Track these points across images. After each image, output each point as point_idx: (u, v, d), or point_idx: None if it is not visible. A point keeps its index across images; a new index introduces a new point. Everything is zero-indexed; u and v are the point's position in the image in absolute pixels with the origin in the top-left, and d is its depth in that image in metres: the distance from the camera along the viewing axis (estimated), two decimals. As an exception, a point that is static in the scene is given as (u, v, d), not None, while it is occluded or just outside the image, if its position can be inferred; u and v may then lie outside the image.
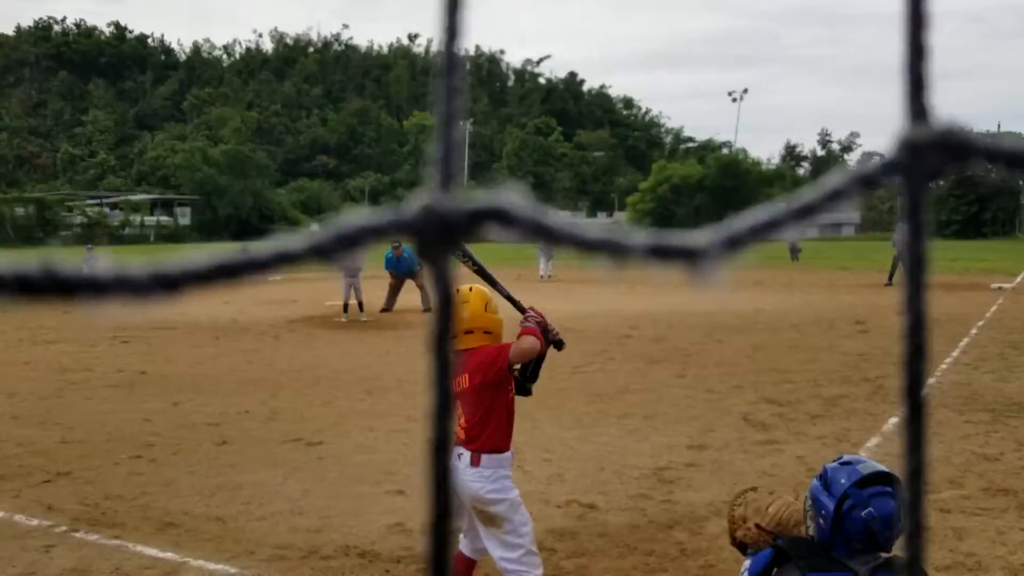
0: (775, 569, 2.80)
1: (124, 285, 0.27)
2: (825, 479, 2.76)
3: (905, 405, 0.33)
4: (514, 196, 0.32)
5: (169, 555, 5.16)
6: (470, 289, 4.09)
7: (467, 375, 3.97)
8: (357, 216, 0.32)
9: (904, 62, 0.30)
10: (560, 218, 0.31)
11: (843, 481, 2.71)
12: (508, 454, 4.10)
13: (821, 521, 2.72)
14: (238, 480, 6.61)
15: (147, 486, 6.49)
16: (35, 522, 5.70)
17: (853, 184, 0.31)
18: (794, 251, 35.08)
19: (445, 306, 0.33)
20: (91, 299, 0.27)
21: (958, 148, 0.30)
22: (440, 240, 0.31)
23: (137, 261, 0.29)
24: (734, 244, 0.32)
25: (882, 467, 2.79)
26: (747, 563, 3.03)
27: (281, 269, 0.31)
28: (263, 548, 5.25)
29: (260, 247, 0.31)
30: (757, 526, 3.06)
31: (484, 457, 3.97)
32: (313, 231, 0.31)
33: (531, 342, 3.95)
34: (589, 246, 0.31)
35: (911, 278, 0.33)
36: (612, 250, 0.31)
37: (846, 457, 2.85)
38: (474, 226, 0.31)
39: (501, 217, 0.31)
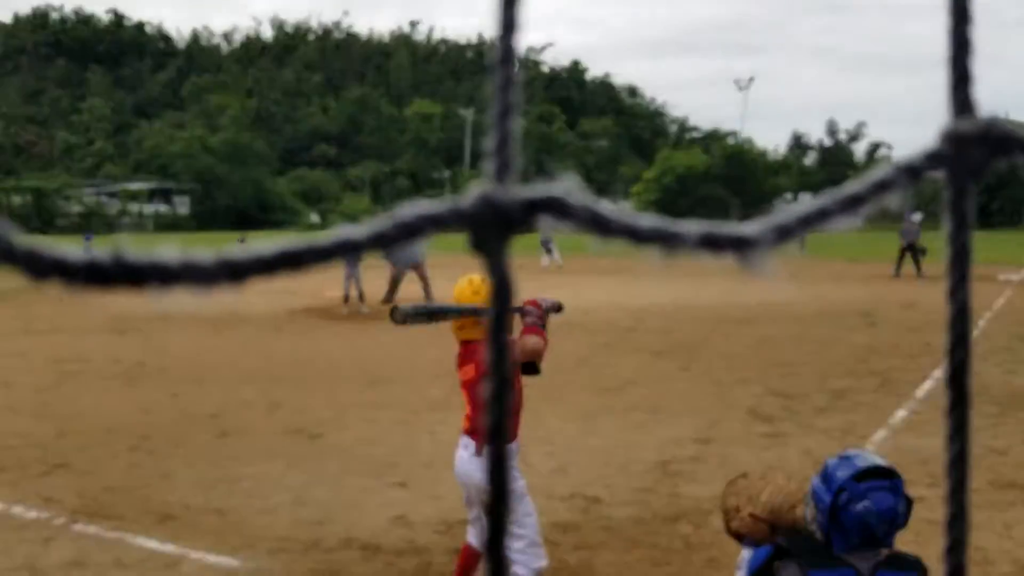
0: (775, 564, 2.81)
1: (191, 273, 0.28)
2: (824, 473, 2.79)
3: (949, 393, 0.34)
4: (569, 186, 0.32)
5: (169, 547, 5.18)
6: (483, 280, 4.13)
7: (474, 365, 4.00)
8: (416, 206, 0.33)
9: (948, 55, 0.31)
10: (613, 208, 0.32)
11: (840, 474, 2.74)
12: (513, 445, 4.14)
13: (819, 515, 2.75)
14: (238, 472, 6.63)
15: (146, 478, 6.51)
16: (33, 514, 5.72)
17: (899, 175, 0.32)
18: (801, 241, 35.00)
19: (500, 296, 0.34)
20: (160, 287, 0.28)
21: (1002, 141, 0.31)
22: (496, 230, 0.32)
23: (203, 249, 0.30)
24: (784, 234, 0.33)
25: (881, 461, 2.81)
26: (744, 554, 3.05)
27: (343, 256, 0.32)
28: (264, 541, 5.27)
29: (323, 235, 0.32)
30: (751, 515, 3.08)
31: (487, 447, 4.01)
32: (374, 220, 0.32)
33: (534, 342, 3.98)
34: (642, 237, 0.32)
35: (954, 268, 0.34)
36: (665, 241, 0.32)
37: (848, 452, 2.87)
38: (529, 216, 0.32)
39: (557, 207, 0.32)
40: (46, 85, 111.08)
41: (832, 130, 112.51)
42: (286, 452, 7.17)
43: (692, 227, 0.33)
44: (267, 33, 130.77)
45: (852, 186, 0.34)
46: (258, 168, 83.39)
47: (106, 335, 14.05)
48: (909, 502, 2.74)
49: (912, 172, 0.32)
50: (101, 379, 10.34)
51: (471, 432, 4.05)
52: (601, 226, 0.32)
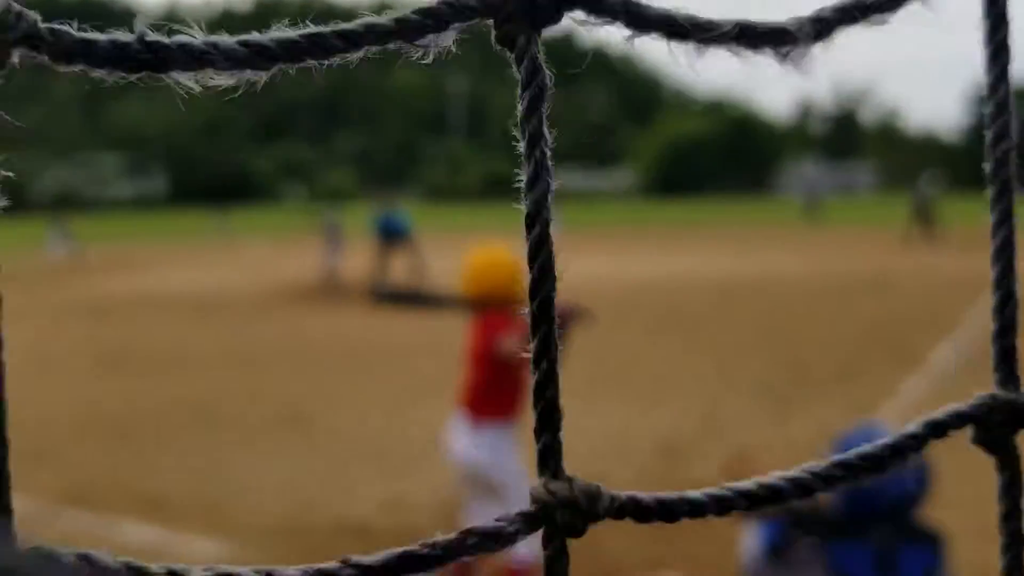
0: (791, 539, 2.84)
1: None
2: (839, 450, 2.83)
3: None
4: None
5: (159, 534, 5.22)
6: (506, 260, 4.02)
7: (492, 334, 3.90)
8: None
9: None
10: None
11: None
12: (511, 424, 4.05)
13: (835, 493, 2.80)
14: (226, 458, 6.66)
15: (132, 465, 6.55)
16: (17, 502, 5.73)
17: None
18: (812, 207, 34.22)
19: (536, 102, 0.35)
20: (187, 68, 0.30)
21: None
22: (525, 19, 0.33)
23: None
24: (822, 27, 0.34)
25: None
26: (754, 531, 3.09)
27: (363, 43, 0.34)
28: (255, 526, 5.32)
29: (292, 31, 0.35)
30: None
31: (485, 423, 3.94)
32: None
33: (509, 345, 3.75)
34: (677, 28, 0.33)
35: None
36: (701, 32, 0.33)
37: (861, 426, 2.92)
38: (559, 7, 0.33)
39: None
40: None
41: (838, 91, 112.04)
42: (274, 437, 7.20)
43: (728, 20, 0.34)
44: (243, 2, 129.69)
45: None
46: (237, 142, 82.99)
47: (84, 321, 14.05)
48: (928, 474, 2.77)
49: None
50: (79, 364, 10.35)
51: (467, 405, 3.97)
52: (635, 17, 0.34)
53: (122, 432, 7.44)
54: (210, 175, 79.23)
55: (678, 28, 0.35)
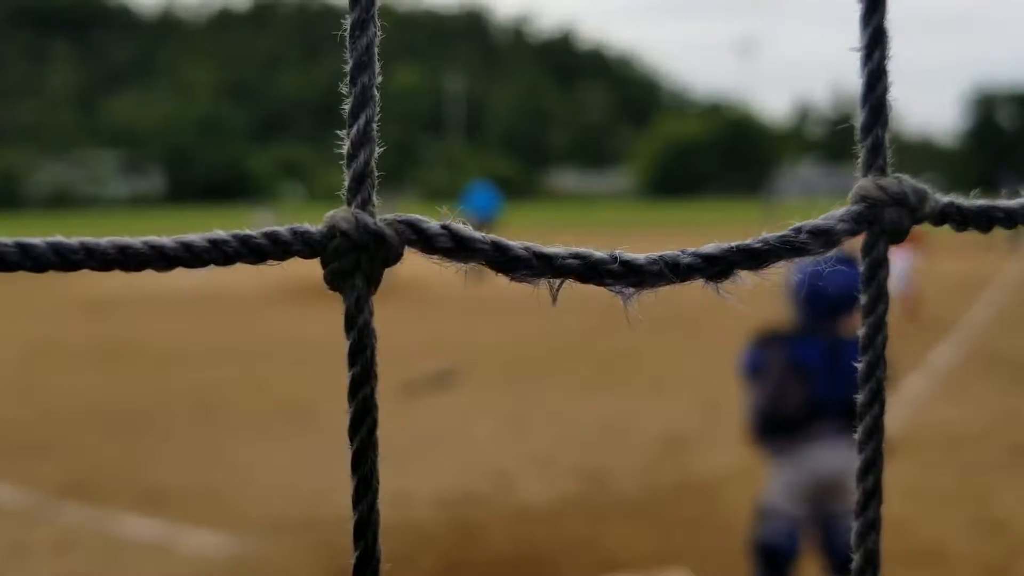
0: (765, 350, 3.64)
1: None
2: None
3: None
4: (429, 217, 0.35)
5: (160, 525, 5.21)
6: None
7: None
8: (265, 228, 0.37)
9: (863, 122, 0.35)
10: (479, 233, 0.34)
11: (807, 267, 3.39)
12: None
13: (792, 303, 3.59)
14: (228, 450, 6.66)
15: (133, 457, 6.54)
16: (18, 496, 5.74)
17: (815, 238, 0.36)
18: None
19: (358, 346, 0.37)
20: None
21: (913, 205, 0.35)
22: (351, 264, 0.35)
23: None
24: (677, 271, 0.36)
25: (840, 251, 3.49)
26: (740, 357, 3.94)
27: (185, 262, 0.35)
28: (258, 518, 5.31)
29: (165, 240, 0.36)
30: None
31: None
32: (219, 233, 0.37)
33: None
34: (512, 259, 0.34)
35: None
36: (534, 266, 0.34)
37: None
38: (389, 245, 0.34)
39: (414, 230, 0.34)
40: (9, 57, 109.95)
41: (835, 95, 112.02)
42: (276, 430, 7.20)
43: (561, 250, 0.35)
44: (241, 1, 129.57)
45: (754, 241, 0.38)
46: (234, 141, 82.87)
47: (81, 316, 14.04)
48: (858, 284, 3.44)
49: (827, 234, 0.37)
50: (79, 360, 10.34)
51: None
52: (465, 249, 0.34)
53: (123, 425, 7.43)
54: (207, 173, 79.08)
55: (509, 256, 0.36)
